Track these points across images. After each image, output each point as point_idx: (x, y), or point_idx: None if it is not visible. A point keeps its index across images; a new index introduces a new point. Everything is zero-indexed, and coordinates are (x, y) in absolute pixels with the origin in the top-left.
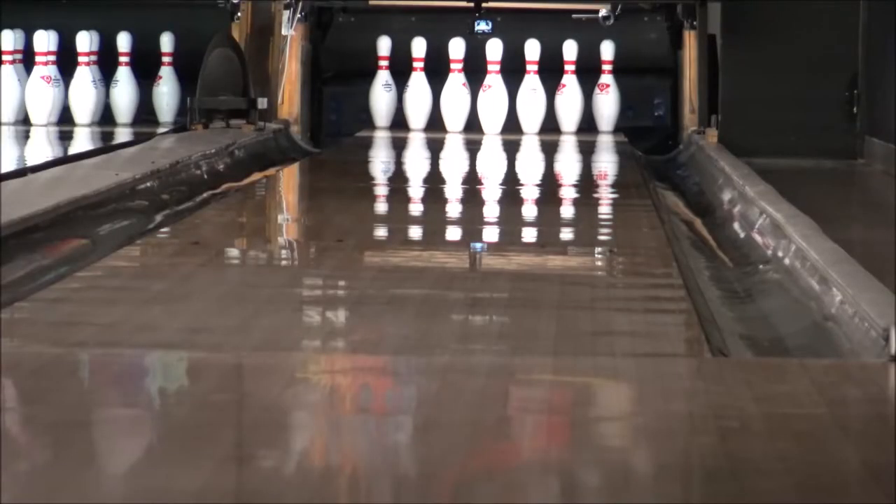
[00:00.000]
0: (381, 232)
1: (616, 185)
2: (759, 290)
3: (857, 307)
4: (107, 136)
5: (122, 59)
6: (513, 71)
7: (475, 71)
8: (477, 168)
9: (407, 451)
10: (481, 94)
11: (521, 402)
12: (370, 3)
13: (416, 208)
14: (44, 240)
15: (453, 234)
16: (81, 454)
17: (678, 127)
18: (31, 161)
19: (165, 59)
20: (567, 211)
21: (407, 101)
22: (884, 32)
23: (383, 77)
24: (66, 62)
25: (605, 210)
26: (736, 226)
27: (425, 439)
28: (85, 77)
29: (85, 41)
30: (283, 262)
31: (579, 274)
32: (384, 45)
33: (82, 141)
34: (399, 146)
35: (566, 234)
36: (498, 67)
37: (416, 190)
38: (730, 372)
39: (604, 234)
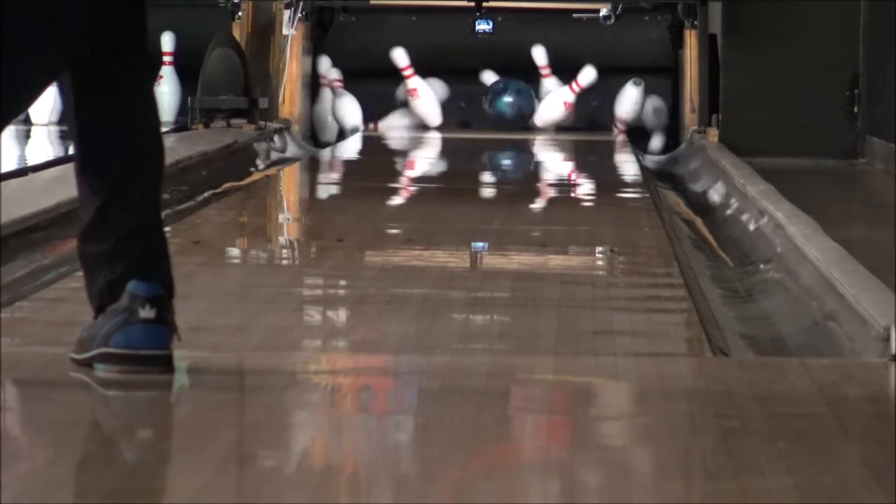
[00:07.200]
0: (381, 232)
1: (616, 185)
2: (760, 289)
3: (858, 306)
4: None
5: None
6: (513, 71)
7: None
8: (477, 168)
9: (407, 451)
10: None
11: (521, 402)
12: (371, 2)
13: (416, 208)
14: (44, 239)
15: (453, 234)
16: (81, 454)
17: (678, 127)
18: (32, 161)
19: (166, 58)
20: (567, 211)
21: (409, 101)
22: (884, 32)
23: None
24: None
25: (605, 210)
26: (736, 225)
27: (425, 439)
28: None
29: None
30: (284, 262)
31: (580, 273)
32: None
33: None
34: (400, 146)
35: (566, 234)
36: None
37: (416, 190)
38: (731, 371)
39: (604, 234)
